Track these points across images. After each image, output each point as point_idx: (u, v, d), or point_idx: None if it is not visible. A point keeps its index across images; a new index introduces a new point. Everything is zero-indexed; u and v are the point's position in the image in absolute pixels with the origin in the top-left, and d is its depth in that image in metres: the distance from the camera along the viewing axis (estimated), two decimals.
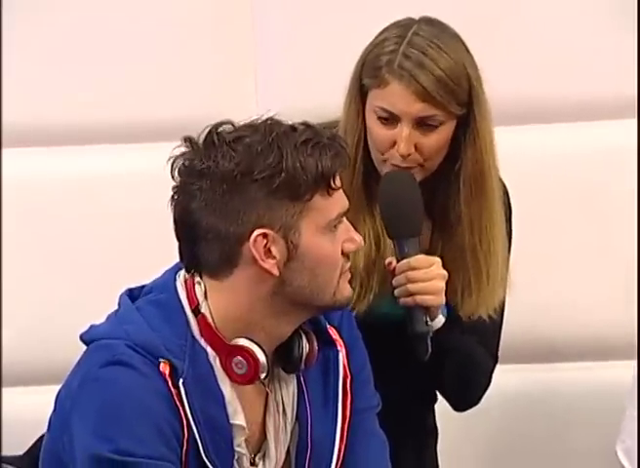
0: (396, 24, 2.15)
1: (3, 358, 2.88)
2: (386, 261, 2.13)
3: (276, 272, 1.83)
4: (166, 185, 2.56)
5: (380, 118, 2.12)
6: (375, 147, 2.15)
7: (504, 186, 2.24)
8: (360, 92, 2.16)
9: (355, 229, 1.94)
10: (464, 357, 2.24)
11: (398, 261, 2.09)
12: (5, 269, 2.94)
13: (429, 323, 2.12)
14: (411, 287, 2.08)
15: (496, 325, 2.27)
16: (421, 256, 2.11)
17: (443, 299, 2.11)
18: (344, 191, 1.90)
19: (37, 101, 2.99)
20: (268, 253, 1.83)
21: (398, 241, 2.10)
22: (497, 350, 2.30)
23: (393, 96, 2.10)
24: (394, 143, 2.12)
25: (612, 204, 2.91)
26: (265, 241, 1.83)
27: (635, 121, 2.88)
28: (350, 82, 2.18)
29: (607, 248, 2.90)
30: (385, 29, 2.16)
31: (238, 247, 1.83)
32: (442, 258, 2.17)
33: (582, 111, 2.97)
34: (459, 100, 2.12)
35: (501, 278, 2.21)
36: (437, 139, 2.13)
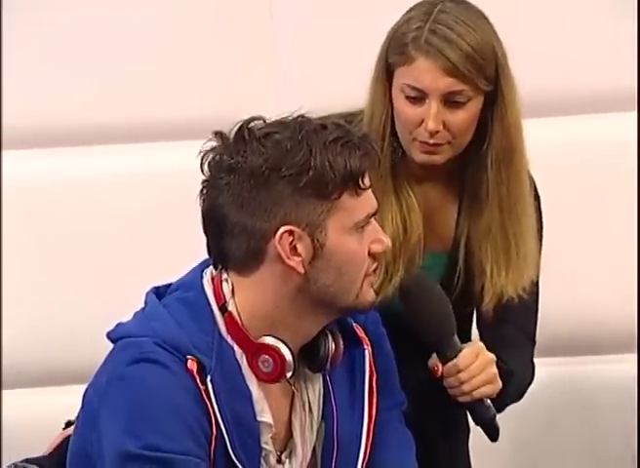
0: (421, 4, 2.17)
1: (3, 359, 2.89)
2: (430, 366, 2.11)
3: (301, 270, 1.85)
4: (173, 185, 2.60)
5: (407, 97, 2.14)
6: (402, 127, 2.17)
7: (532, 177, 2.27)
8: (386, 71, 2.18)
9: (385, 209, 1.98)
10: (519, 381, 2.25)
11: (443, 364, 2.08)
12: (5, 270, 2.94)
13: (491, 406, 2.12)
14: (466, 387, 2.08)
15: (529, 307, 2.28)
16: (466, 352, 2.09)
17: (500, 383, 2.10)
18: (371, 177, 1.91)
19: (41, 103, 3.02)
20: (294, 250, 1.85)
21: (437, 350, 2.09)
22: (534, 333, 2.32)
23: (421, 72, 2.12)
24: (422, 122, 2.14)
25: (614, 197, 2.93)
26: (291, 238, 1.85)
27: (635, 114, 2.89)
28: (376, 63, 2.19)
29: (611, 239, 2.93)
30: (410, 9, 2.18)
31: (264, 243, 1.85)
32: (469, 239, 2.22)
33: (582, 104, 2.98)
34: (486, 76, 2.13)
35: (532, 256, 2.23)
36: (465, 117, 2.15)
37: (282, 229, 1.84)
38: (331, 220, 1.87)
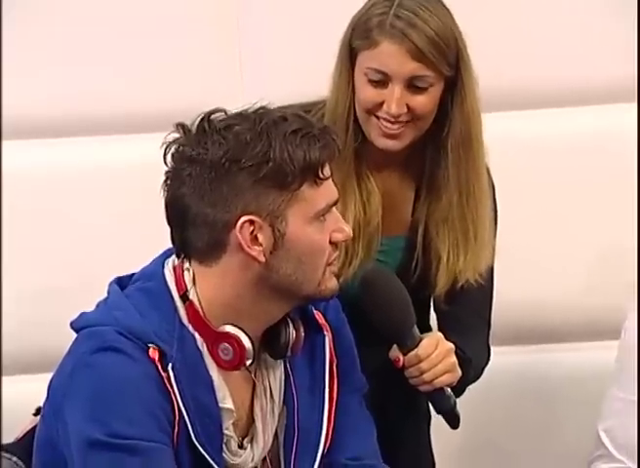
0: None
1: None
2: (392, 358, 2.13)
3: (262, 259, 1.87)
4: (156, 174, 2.63)
5: (370, 80, 2.17)
6: (361, 107, 2.19)
7: (487, 167, 2.30)
8: (350, 56, 2.21)
9: (345, 195, 2.03)
10: (477, 365, 2.31)
11: (404, 355, 2.11)
12: (4, 260, 2.95)
13: (451, 395, 2.16)
14: (426, 376, 2.11)
15: (485, 292, 2.32)
16: (426, 342, 2.12)
17: (459, 372, 2.14)
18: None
19: (32, 95, 3.04)
20: (255, 240, 1.87)
21: (397, 342, 2.12)
22: (489, 317, 2.36)
23: (386, 55, 2.16)
24: (382, 104, 2.18)
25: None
26: (252, 228, 1.87)
27: (622, 105, 2.93)
28: (340, 48, 2.22)
29: (595, 230, 2.94)
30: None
31: (225, 233, 1.88)
32: (426, 223, 2.27)
33: (568, 96, 2.99)
34: (449, 61, 2.17)
35: (488, 241, 2.27)
36: (427, 101, 2.19)
37: (242, 219, 1.86)
38: (291, 210, 1.89)
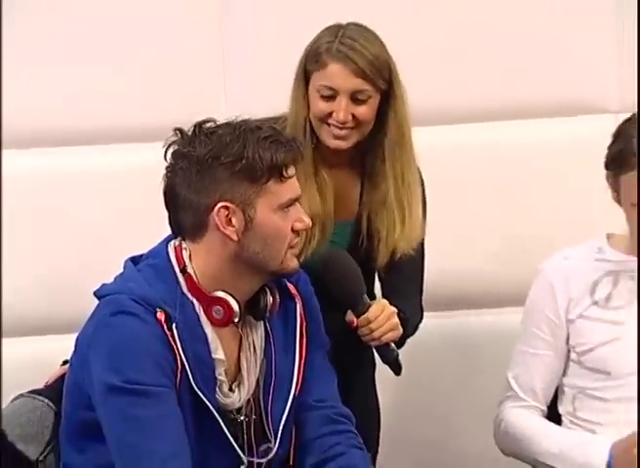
0: (330, 27, 2.29)
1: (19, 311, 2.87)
2: (348, 320, 2.18)
3: (235, 238, 1.92)
4: (139, 178, 2.57)
5: (322, 96, 2.24)
6: (315, 117, 2.26)
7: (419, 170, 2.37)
8: (304, 77, 2.28)
9: (306, 188, 2.07)
10: (413, 323, 2.34)
11: (357, 318, 2.16)
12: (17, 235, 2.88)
13: (395, 348, 2.20)
14: (375, 334, 2.16)
15: (418, 264, 2.39)
16: (374, 307, 2.17)
17: (401, 330, 2.19)
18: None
19: (34, 110, 2.90)
20: (229, 222, 1.91)
21: (351, 307, 2.17)
22: (422, 284, 2.42)
23: (333, 74, 2.23)
24: (331, 114, 2.24)
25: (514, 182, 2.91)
26: (227, 212, 1.91)
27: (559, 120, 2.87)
28: (296, 72, 2.29)
29: (508, 218, 2.91)
30: (322, 31, 2.29)
31: (206, 215, 1.92)
32: (370, 210, 2.32)
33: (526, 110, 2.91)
34: (383, 78, 2.24)
35: (419, 221, 2.33)
36: (367, 110, 2.25)
37: (219, 204, 1.91)
38: (259, 200, 1.92)
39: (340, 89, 2.22)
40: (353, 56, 2.21)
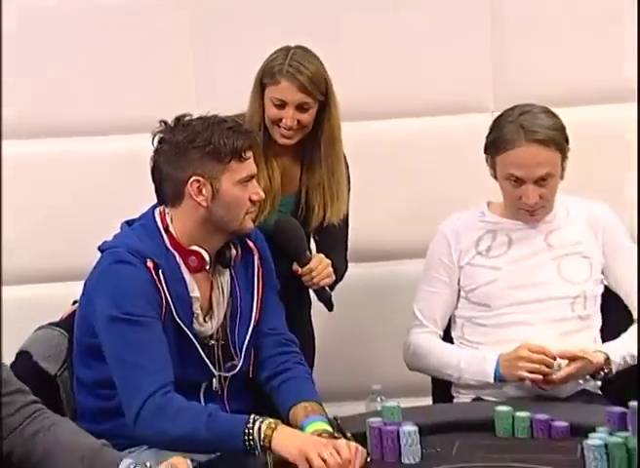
0: (281, 49, 2.38)
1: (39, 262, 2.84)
2: (294, 270, 2.28)
3: (205, 204, 2.01)
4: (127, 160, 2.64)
5: (274, 105, 2.35)
6: (269, 120, 2.36)
7: (344, 155, 2.48)
8: (260, 90, 2.38)
9: (260, 170, 2.12)
10: (341, 272, 2.41)
11: (301, 267, 2.25)
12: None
13: (328, 290, 2.30)
14: (315, 279, 2.28)
15: (343, 230, 2.50)
16: (314, 260, 2.28)
17: (334, 276, 2.30)
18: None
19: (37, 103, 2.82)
20: (200, 192, 2.00)
21: (297, 260, 2.28)
22: (346, 243, 2.53)
23: (284, 89, 2.33)
24: (281, 119, 2.33)
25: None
26: (198, 184, 2.00)
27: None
28: (254, 84, 2.39)
29: (417, 182, 2.91)
30: (274, 52, 2.38)
31: (182, 187, 2.01)
32: (307, 188, 2.39)
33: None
34: (321, 92, 2.35)
35: (344, 198, 2.43)
36: (309, 117, 2.36)
37: (192, 178, 2.00)
38: (224, 176, 2.01)
39: (289, 101, 2.34)
40: (299, 76, 2.32)
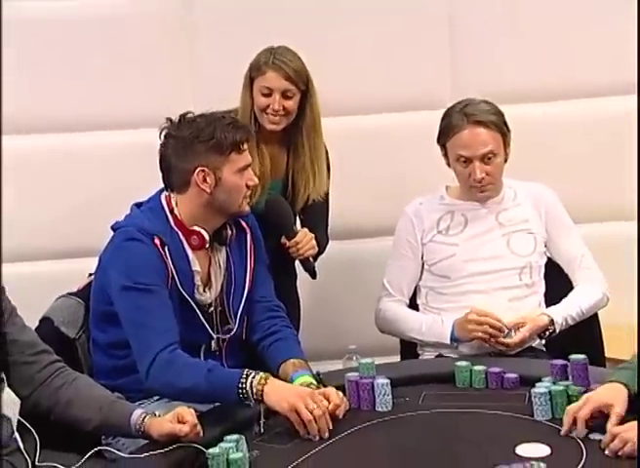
0: (266, 48, 2.40)
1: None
2: (282, 243, 2.30)
3: (209, 191, 2.05)
4: (140, 152, 2.54)
5: (262, 94, 2.38)
6: (258, 108, 2.39)
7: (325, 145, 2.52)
8: (250, 83, 2.41)
9: (253, 159, 2.12)
10: (324, 245, 2.42)
11: (289, 241, 2.29)
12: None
13: (312, 261, 2.33)
14: (301, 251, 2.31)
15: (323, 208, 2.52)
16: (300, 233, 2.30)
17: (317, 249, 2.32)
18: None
19: (49, 101, 2.79)
20: (204, 180, 2.04)
21: (285, 234, 2.32)
22: (327, 221, 2.54)
23: (271, 78, 2.36)
24: (269, 106, 2.36)
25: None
26: (203, 174, 2.03)
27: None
28: (244, 80, 2.42)
29: (387, 168, 2.89)
30: (260, 52, 2.40)
31: (189, 176, 2.04)
32: (293, 173, 2.40)
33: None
34: (303, 82, 2.38)
35: (324, 179, 2.47)
36: (293, 104, 2.38)
37: (198, 169, 2.04)
38: (225, 166, 2.04)
39: (275, 88, 2.38)
40: (283, 66, 2.38)
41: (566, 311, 2.34)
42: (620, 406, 1.70)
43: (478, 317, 2.25)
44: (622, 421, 1.67)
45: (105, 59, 2.84)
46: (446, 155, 2.39)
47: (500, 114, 2.37)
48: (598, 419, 1.70)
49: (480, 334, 2.24)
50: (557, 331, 2.31)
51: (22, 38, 2.74)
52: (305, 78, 2.40)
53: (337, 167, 2.56)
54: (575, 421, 1.72)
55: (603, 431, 1.67)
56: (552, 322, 2.30)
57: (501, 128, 2.35)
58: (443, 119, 2.39)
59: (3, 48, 2.66)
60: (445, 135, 2.36)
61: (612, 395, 1.73)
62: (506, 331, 2.24)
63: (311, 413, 1.79)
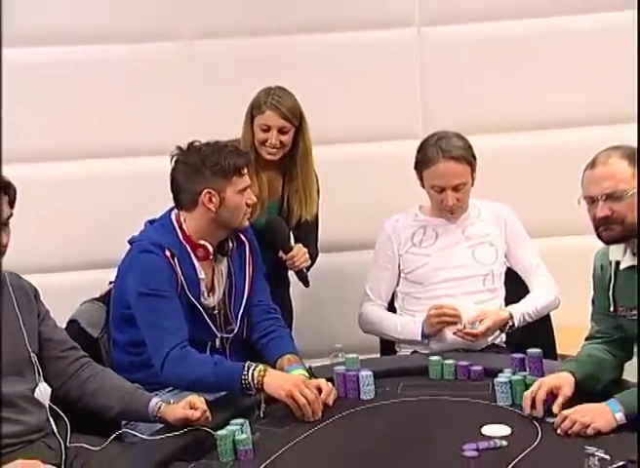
0: (264, 89, 2.43)
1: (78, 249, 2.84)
2: (280, 256, 2.31)
3: (214, 210, 2.09)
4: (152, 178, 2.51)
5: (261, 129, 2.41)
6: (258, 142, 2.41)
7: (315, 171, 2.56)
8: (251, 119, 2.44)
9: (252, 183, 2.17)
10: (314, 257, 2.44)
11: (285, 254, 2.31)
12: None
13: (305, 272, 2.35)
14: (296, 263, 2.34)
15: (313, 226, 2.56)
16: (295, 248, 2.33)
17: (309, 261, 2.35)
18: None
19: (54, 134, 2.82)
20: (210, 201, 2.08)
21: (282, 249, 2.35)
22: (317, 236, 2.59)
23: (269, 117, 2.39)
24: (267, 140, 2.39)
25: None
26: (209, 195, 2.08)
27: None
28: (245, 116, 2.46)
29: (368, 186, 2.91)
30: (259, 92, 2.44)
31: (196, 197, 2.09)
32: (288, 195, 2.43)
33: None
34: (297, 118, 2.42)
35: (315, 202, 2.51)
36: (287, 138, 2.42)
37: (205, 191, 2.08)
38: (228, 188, 2.09)
39: (273, 125, 2.41)
40: (280, 106, 2.41)
41: (524, 309, 2.39)
42: (567, 388, 1.81)
43: (436, 310, 2.31)
44: (570, 404, 1.78)
45: (128, 98, 2.84)
46: (421, 179, 2.44)
47: (470, 148, 2.41)
48: (550, 402, 1.79)
49: (442, 323, 2.28)
50: (516, 325, 2.36)
51: (53, 78, 2.77)
52: (299, 114, 2.43)
53: (324, 188, 2.57)
54: (533, 403, 1.80)
55: (557, 415, 1.78)
56: (512, 316, 2.34)
57: (470, 160, 2.40)
58: (419, 151, 2.43)
59: (37, 87, 2.71)
60: (422, 164, 2.40)
61: (561, 379, 1.84)
62: (464, 321, 2.25)
63: (305, 398, 1.85)
